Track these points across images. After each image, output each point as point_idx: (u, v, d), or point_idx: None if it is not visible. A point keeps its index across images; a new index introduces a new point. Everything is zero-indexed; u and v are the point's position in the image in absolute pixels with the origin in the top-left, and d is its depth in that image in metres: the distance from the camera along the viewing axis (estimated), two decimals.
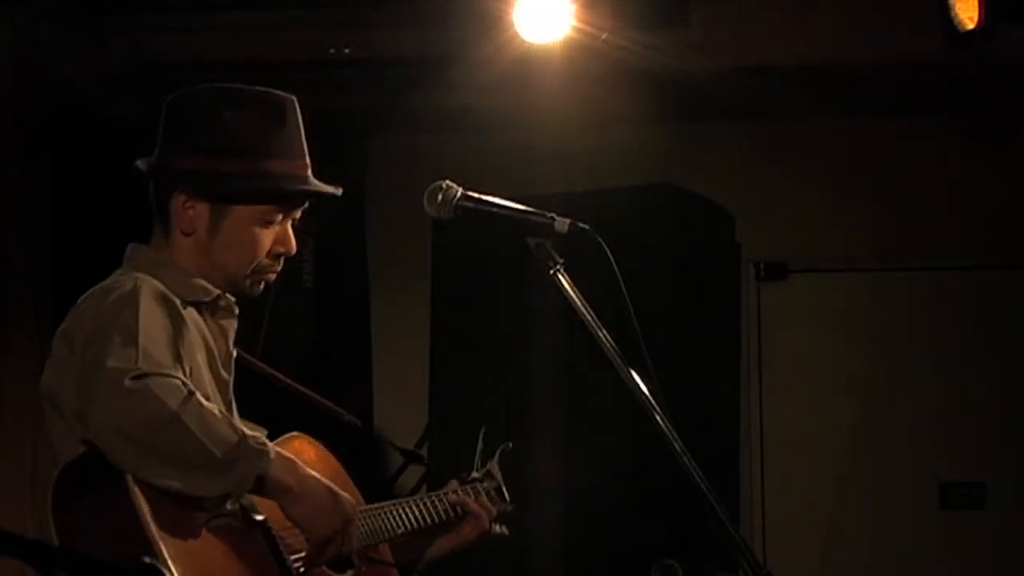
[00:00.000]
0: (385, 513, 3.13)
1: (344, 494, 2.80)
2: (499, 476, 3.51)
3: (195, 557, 2.62)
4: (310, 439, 3.10)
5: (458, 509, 3.34)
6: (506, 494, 3.50)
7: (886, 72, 5.54)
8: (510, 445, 3.56)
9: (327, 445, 3.14)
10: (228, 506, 2.67)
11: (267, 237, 2.96)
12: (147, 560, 1.97)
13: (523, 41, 4.89)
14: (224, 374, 2.97)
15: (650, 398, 2.78)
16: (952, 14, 4.18)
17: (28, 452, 5.27)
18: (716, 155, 6.23)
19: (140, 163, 3.02)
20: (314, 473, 2.77)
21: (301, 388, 3.49)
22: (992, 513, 6.24)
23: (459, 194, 2.96)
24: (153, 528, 2.55)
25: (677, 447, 2.75)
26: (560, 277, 2.88)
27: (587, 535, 5.26)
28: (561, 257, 2.89)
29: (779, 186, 6.28)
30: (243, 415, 3.00)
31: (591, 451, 5.01)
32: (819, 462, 6.26)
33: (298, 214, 3.03)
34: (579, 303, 2.85)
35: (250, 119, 2.95)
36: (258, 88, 3.02)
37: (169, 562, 2.52)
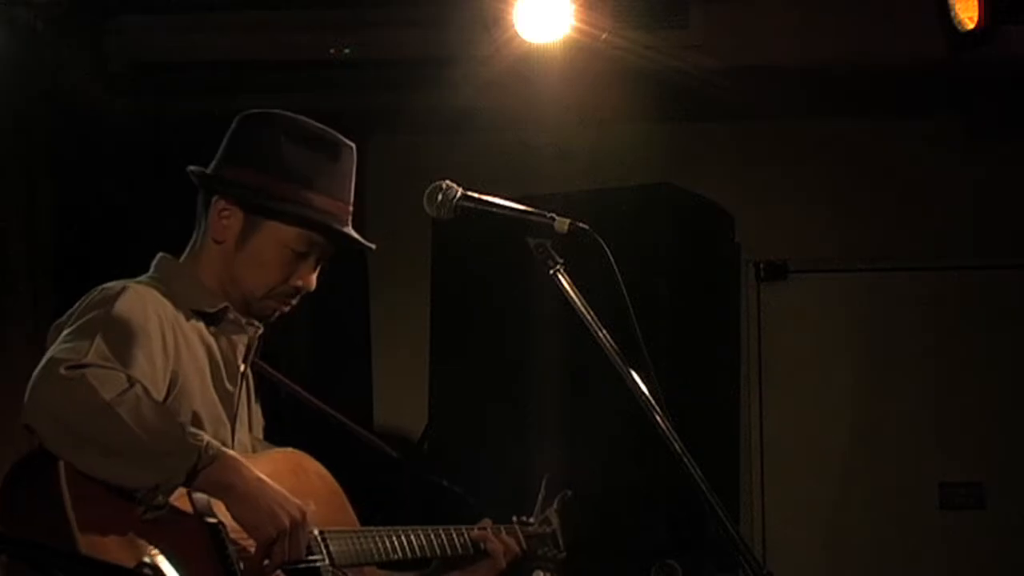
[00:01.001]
0: (377, 536, 3.07)
1: (297, 500, 2.78)
2: (556, 523, 3.51)
3: (116, 551, 2.59)
4: (308, 456, 3.08)
5: (480, 546, 3.28)
6: (560, 542, 3.50)
7: (886, 72, 5.54)
8: (569, 493, 3.54)
9: (344, 466, 3.12)
10: (160, 499, 2.64)
11: (290, 265, 3.02)
12: (147, 560, 1.97)
13: (523, 41, 4.89)
14: (228, 386, 2.99)
15: (650, 398, 2.78)
16: (952, 14, 4.19)
17: (28, 449, 5.26)
18: (716, 155, 6.23)
19: (192, 169, 3.09)
20: (263, 476, 2.75)
21: (339, 416, 3.47)
22: (992, 513, 6.24)
23: (459, 194, 2.96)
24: (74, 521, 2.56)
25: (677, 447, 2.75)
26: (560, 277, 2.88)
27: (587, 535, 5.26)
28: (561, 257, 2.89)
29: (779, 186, 6.27)
30: (276, 437, 3.06)
31: (591, 451, 5.00)
32: (819, 462, 6.25)
33: (326, 255, 3.08)
34: (579, 303, 2.85)
35: (305, 150, 3.03)
36: (321, 126, 3.11)
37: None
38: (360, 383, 6.18)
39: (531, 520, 3.47)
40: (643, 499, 4.85)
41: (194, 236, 3.08)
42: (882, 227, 6.31)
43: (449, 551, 3.22)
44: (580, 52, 4.98)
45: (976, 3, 4.12)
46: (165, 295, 2.92)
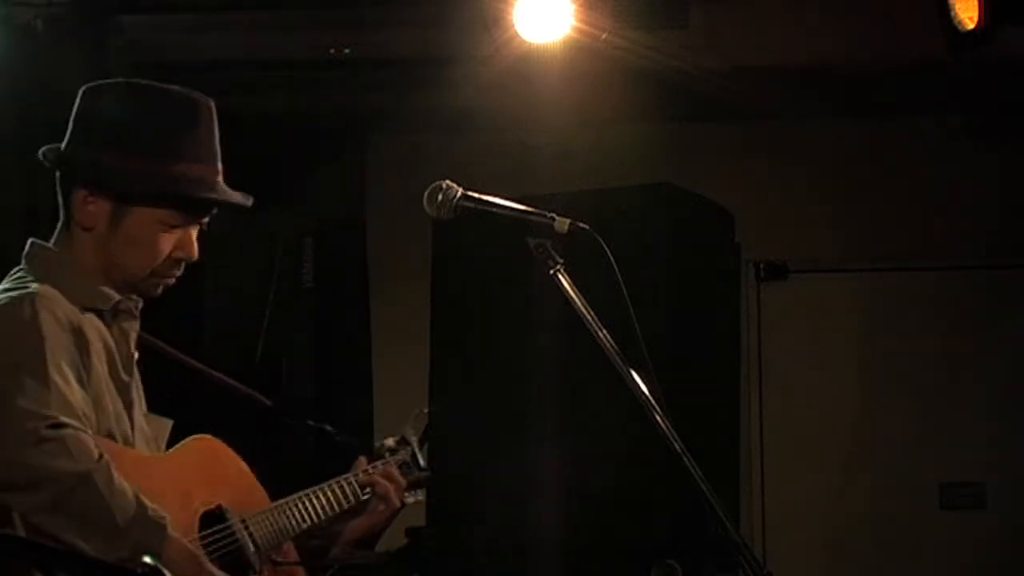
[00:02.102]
0: (288, 509, 3.08)
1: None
2: (414, 441, 3.51)
3: None
4: (216, 441, 3.06)
5: (367, 489, 3.31)
6: (421, 460, 3.50)
7: (886, 72, 5.54)
8: (424, 410, 3.53)
9: (239, 434, 3.10)
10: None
11: (168, 241, 2.90)
12: (148, 560, 1.96)
13: (523, 41, 4.89)
14: (124, 376, 2.92)
15: (650, 398, 2.78)
16: (952, 14, 4.19)
17: None
18: (716, 155, 6.23)
19: (45, 151, 2.95)
20: (209, 566, 2.75)
21: (209, 370, 3.45)
22: (992, 513, 6.24)
23: (459, 194, 2.95)
24: None
25: (677, 447, 2.75)
26: (560, 277, 2.88)
27: (587, 535, 5.26)
28: (561, 257, 2.89)
29: (779, 186, 6.28)
30: (154, 406, 3.00)
31: (591, 451, 5.00)
32: (819, 462, 6.25)
33: (205, 221, 2.96)
34: (579, 303, 2.85)
35: (161, 118, 2.90)
36: (175, 88, 2.97)
37: None
38: (360, 383, 6.19)
39: (388, 443, 3.47)
40: (643, 499, 4.85)
41: (61, 222, 2.93)
42: (882, 227, 6.31)
43: (346, 504, 3.24)
44: (580, 52, 4.98)
45: (976, 3, 4.12)
46: (61, 293, 2.82)
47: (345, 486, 3.26)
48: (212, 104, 2.97)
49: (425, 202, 2.97)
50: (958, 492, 6.27)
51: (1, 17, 4.90)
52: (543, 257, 2.89)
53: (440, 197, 2.95)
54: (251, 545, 2.93)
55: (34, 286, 2.79)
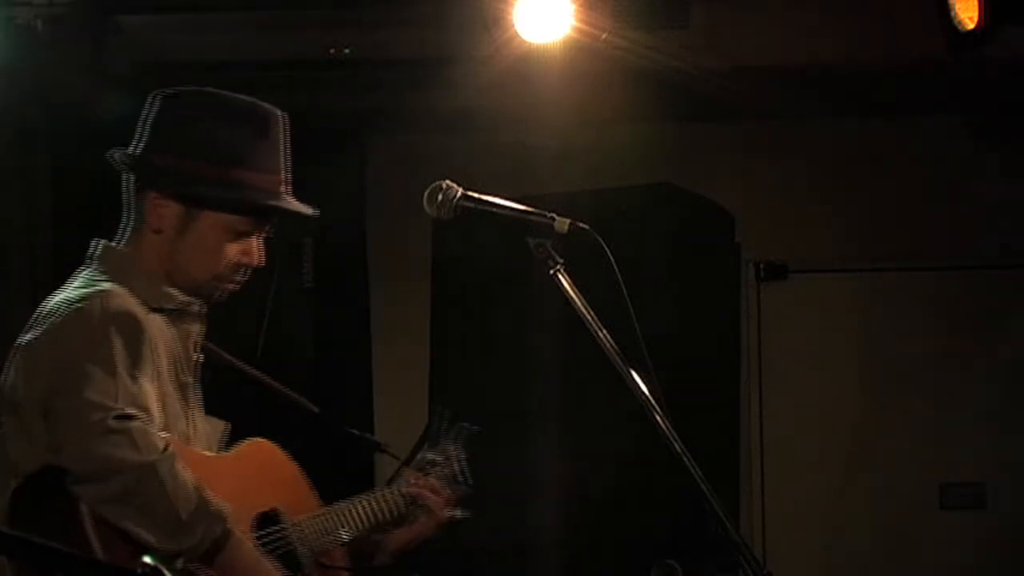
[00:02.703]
0: (338, 515, 3.13)
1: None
2: (459, 457, 3.50)
3: None
4: (273, 445, 3.10)
5: (413, 501, 3.32)
6: (467, 476, 3.49)
7: (886, 72, 5.54)
8: (471, 427, 3.55)
9: (293, 442, 3.15)
10: (179, 564, 2.67)
11: (233, 247, 2.97)
12: (148, 560, 1.97)
13: (523, 41, 4.89)
14: (184, 377, 2.98)
15: (650, 398, 2.78)
16: (952, 14, 4.19)
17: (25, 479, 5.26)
18: (716, 155, 6.23)
19: (115, 153, 3.02)
20: (261, 560, 2.80)
21: (266, 378, 3.48)
22: (992, 513, 6.24)
23: (459, 194, 2.96)
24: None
25: (677, 447, 2.75)
26: (560, 277, 2.88)
27: (587, 535, 5.26)
28: (561, 257, 2.89)
29: (779, 186, 6.28)
30: (212, 409, 3.04)
31: (591, 451, 5.01)
32: (819, 462, 6.25)
33: (267, 228, 3.03)
34: (579, 303, 2.85)
35: (233, 128, 2.97)
36: (246, 98, 3.03)
37: None
38: (361, 382, 6.19)
39: (435, 457, 3.46)
40: (643, 499, 4.86)
41: (124, 221, 3.00)
42: (882, 227, 6.31)
43: (393, 514, 3.27)
44: (580, 52, 4.98)
45: (976, 3, 4.12)
46: (130, 293, 2.88)
47: (392, 496, 3.29)
48: (281, 116, 3.04)
49: (425, 202, 2.97)
50: (958, 492, 6.27)
51: (1, 17, 4.90)
52: (543, 257, 2.89)
53: (440, 197, 2.95)
54: (302, 548, 2.97)
55: (105, 285, 2.86)
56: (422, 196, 2.98)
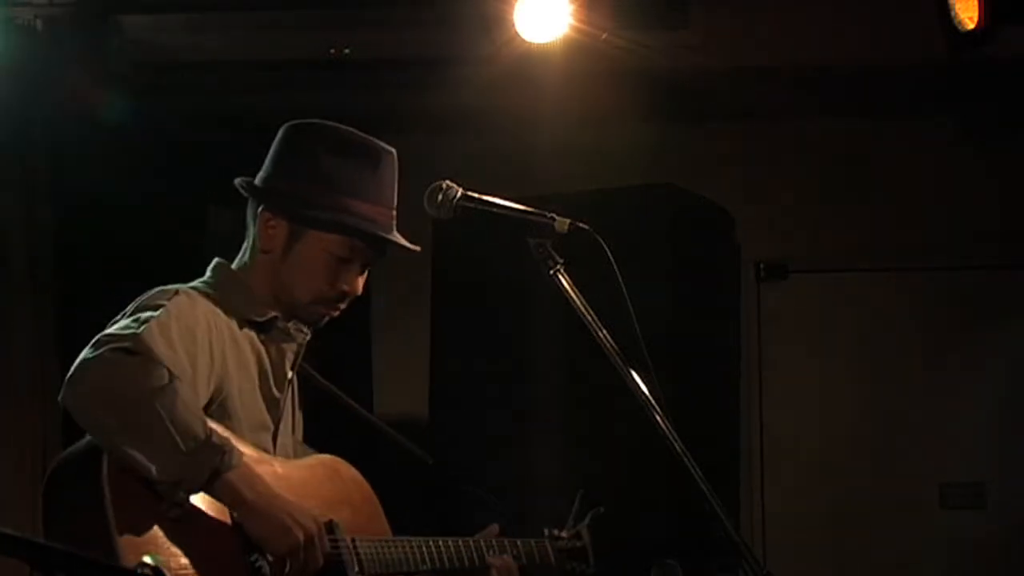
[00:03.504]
0: (403, 545, 3.11)
1: (310, 513, 2.84)
2: (587, 538, 3.53)
3: (150, 550, 2.66)
4: (346, 464, 3.14)
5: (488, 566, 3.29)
6: (591, 558, 3.51)
7: (886, 72, 5.54)
8: (602, 509, 3.56)
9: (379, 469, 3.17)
10: (181, 495, 2.71)
11: (334, 271, 3.10)
12: (148, 560, 1.97)
13: (523, 41, 4.89)
14: (276, 392, 3.08)
15: (650, 398, 2.78)
16: (952, 14, 4.19)
17: (29, 449, 5.27)
18: (716, 155, 6.23)
19: (240, 181, 3.17)
20: (277, 492, 2.82)
21: (377, 420, 3.54)
22: (992, 513, 6.24)
23: (459, 194, 2.96)
24: (113, 521, 2.62)
25: (677, 447, 2.75)
26: (560, 277, 2.88)
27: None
28: (561, 257, 2.89)
29: (779, 186, 6.27)
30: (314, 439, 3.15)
31: (591, 451, 5.01)
32: (819, 462, 6.25)
33: (371, 260, 3.17)
34: (579, 303, 2.85)
35: (346, 159, 3.11)
36: (362, 135, 3.18)
37: (121, 559, 2.59)
38: (361, 382, 6.18)
39: (563, 534, 3.49)
40: (643, 499, 4.86)
41: (245, 245, 3.16)
42: (882, 227, 6.30)
43: (463, 564, 3.24)
44: (580, 52, 4.98)
45: (976, 3, 4.12)
46: (217, 302, 3.01)
47: (469, 547, 3.26)
48: (394, 153, 3.19)
49: (425, 202, 2.98)
50: (958, 492, 6.27)
51: (1, 17, 4.91)
52: (543, 257, 2.90)
53: (440, 197, 2.96)
54: (355, 564, 2.95)
55: (193, 287, 3.01)
56: (422, 196, 2.98)
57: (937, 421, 6.25)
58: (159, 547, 2.67)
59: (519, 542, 3.37)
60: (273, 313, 3.07)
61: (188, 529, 2.73)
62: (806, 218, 6.32)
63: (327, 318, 3.16)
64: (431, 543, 3.17)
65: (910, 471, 6.23)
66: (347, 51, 5.33)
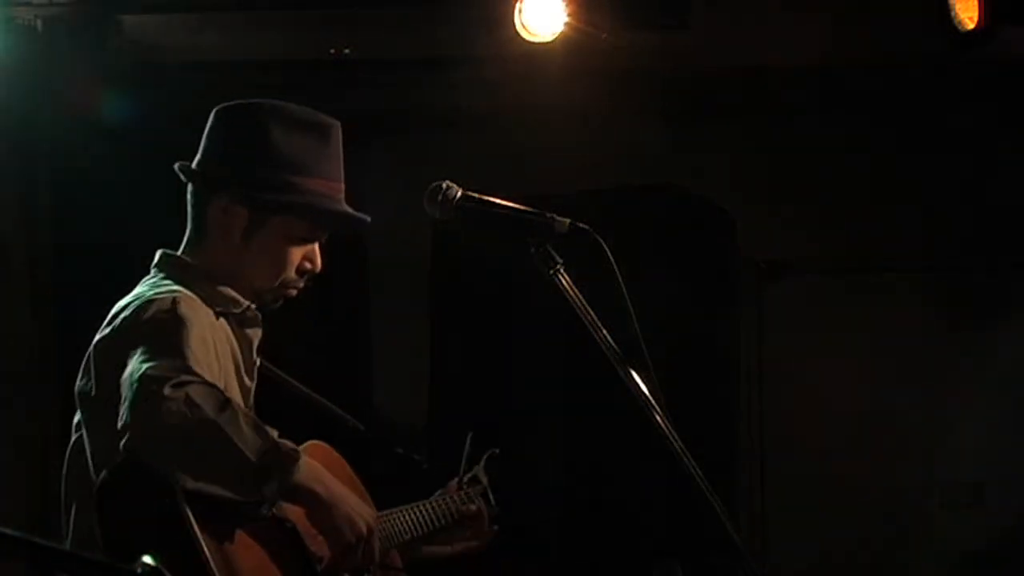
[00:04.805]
0: (395, 518, 3.19)
1: (370, 508, 2.90)
2: (485, 481, 3.56)
3: (237, 563, 2.68)
4: (328, 447, 3.15)
5: (463, 515, 3.40)
6: (492, 499, 3.55)
7: (886, 72, 5.54)
8: (497, 451, 3.59)
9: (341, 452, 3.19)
10: (263, 511, 2.70)
11: (297, 253, 3.06)
12: (148, 560, 1.97)
13: (523, 41, 4.89)
14: (247, 381, 3.05)
15: (650, 398, 2.78)
16: (952, 14, 4.20)
17: (30, 449, 5.27)
18: (716, 155, 6.23)
19: (180, 166, 3.08)
20: (338, 482, 2.84)
21: (311, 392, 3.53)
22: (992, 513, 6.24)
23: (459, 194, 2.96)
24: (201, 538, 2.62)
25: (676, 447, 2.75)
26: (560, 277, 2.88)
27: (587, 534, 5.26)
28: (561, 257, 2.89)
29: (779, 186, 6.27)
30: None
31: (590, 451, 5.01)
32: (819, 462, 6.25)
33: (326, 234, 3.12)
34: (579, 303, 2.85)
35: (297, 138, 3.03)
36: (306, 109, 3.10)
37: (216, 571, 2.60)
38: (361, 382, 6.19)
39: (465, 483, 3.53)
40: (643, 499, 4.86)
41: (191, 233, 3.07)
42: (882, 227, 6.30)
43: (447, 520, 3.35)
44: (580, 52, 4.98)
45: (976, 3, 4.13)
46: (202, 299, 2.96)
47: (442, 505, 3.38)
48: (339, 125, 3.12)
49: (425, 202, 2.97)
50: (958, 492, 6.27)
51: (1, 17, 4.91)
52: (543, 257, 2.89)
53: (440, 197, 2.95)
54: None
55: (175, 286, 2.93)
56: (422, 196, 2.98)
57: (937, 421, 6.25)
58: (238, 558, 2.68)
59: (447, 497, 3.43)
60: (245, 303, 3.02)
61: (250, 531, 2.74)
62: (806, 218, 6.32)
63: (284, 298, 3.11)
64: (415, 509, 3.27)
65: (909, 471, 6.23)
66: (347, 51, 5.33)
